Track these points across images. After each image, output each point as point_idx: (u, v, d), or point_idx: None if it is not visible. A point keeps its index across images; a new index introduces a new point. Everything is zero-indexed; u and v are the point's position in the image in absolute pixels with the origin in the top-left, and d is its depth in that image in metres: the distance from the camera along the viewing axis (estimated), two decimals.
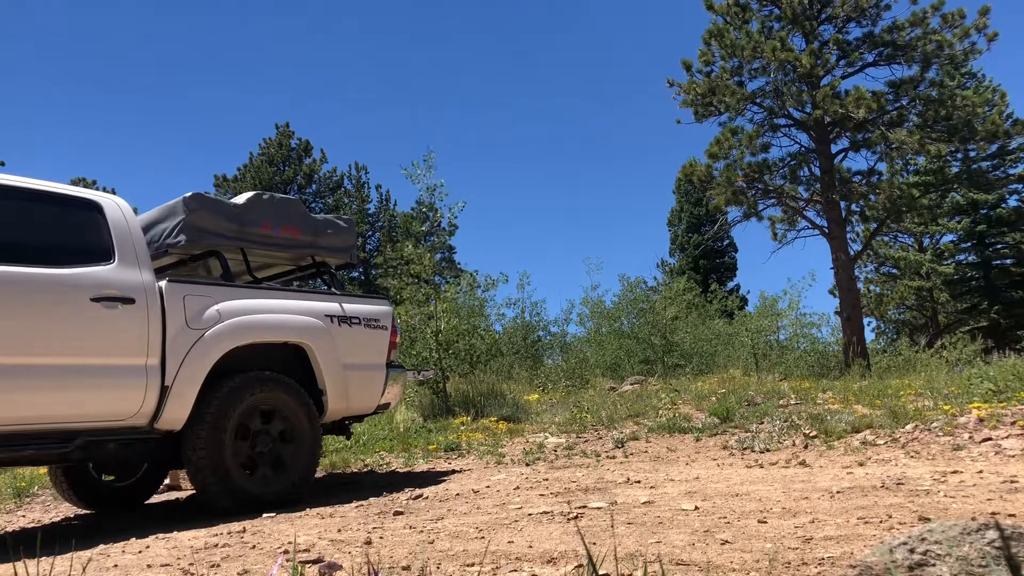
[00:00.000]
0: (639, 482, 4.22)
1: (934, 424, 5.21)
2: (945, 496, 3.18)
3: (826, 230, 17.28)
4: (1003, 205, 29.32)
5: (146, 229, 4.62)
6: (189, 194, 4.68)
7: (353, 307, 4.99)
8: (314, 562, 2.49)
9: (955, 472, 3.82)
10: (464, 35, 62.33)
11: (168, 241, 4.66)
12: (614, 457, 5.61)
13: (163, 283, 4.07)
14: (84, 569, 2.66)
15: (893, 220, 18.36)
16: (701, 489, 3.80)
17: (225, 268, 4.69)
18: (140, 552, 3.05)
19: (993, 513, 2.73)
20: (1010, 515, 2.70)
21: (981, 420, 5.10)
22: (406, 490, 4.49)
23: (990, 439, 4.69)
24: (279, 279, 5.75)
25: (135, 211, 4.30)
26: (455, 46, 61.95)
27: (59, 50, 50.14)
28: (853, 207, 17.79)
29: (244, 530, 3.41)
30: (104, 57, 51.47)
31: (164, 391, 3.93)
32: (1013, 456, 4.27)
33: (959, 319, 29.92)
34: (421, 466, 6.00)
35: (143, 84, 51.82)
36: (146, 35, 52.83)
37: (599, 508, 3.38)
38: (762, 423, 6.25)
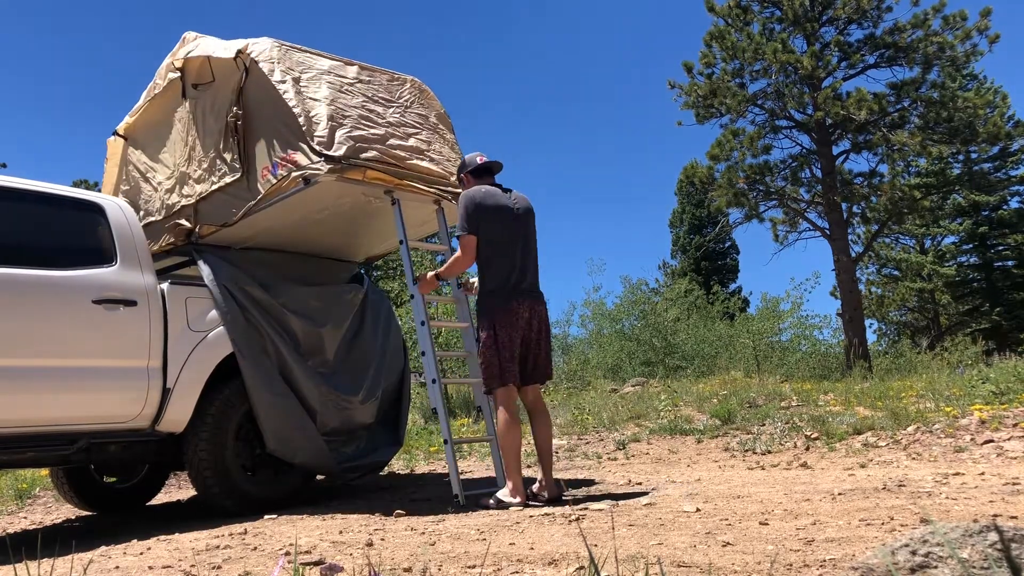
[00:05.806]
0: (640, 484, 4.22)
1: (936, 426, 5.21)
2: (947, 498, 3.17)
3: (827, 232, 17.27)
4: (1004, 207, 29.31)
5: None
6: None
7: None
8: (315, 563, 2.48)
9: (957, 474, 3.82)
10: (465, 35, 62.42)
11: None
12: (615, 459, 5.61)
13: (165, 285, 4.07)
14: (85, 571, 2.66)
15: (894, 222, 18.36)
16: (702, 491, 3.79)
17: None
18: (141, 554, 3.05)
19: (995, 515, 2.73)
20: (1012, 517, 2.69)
21: (983, 422, 5.09)
22: (407, 491, 4.48)
23: (992, 441, 4.69)
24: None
25: (136, 213, 4.31)
26: (456, 47, 62.05)
27: (61, 52, 50.25)
28: (854, 209, 17.80)
29: (245, 531, 3.41)
30: (106, 59, 51.59)
31: (166, 393, 3.92)
32: (1015, 458, 4.27)
33: (961, 321, 29.91)
34: (422, 467, 6.00)
35: (144, 86, 51.82)
36: (148, 36, 52.93)
37: (600, 510, 3.38)
38: (763, 425, 6.24)
